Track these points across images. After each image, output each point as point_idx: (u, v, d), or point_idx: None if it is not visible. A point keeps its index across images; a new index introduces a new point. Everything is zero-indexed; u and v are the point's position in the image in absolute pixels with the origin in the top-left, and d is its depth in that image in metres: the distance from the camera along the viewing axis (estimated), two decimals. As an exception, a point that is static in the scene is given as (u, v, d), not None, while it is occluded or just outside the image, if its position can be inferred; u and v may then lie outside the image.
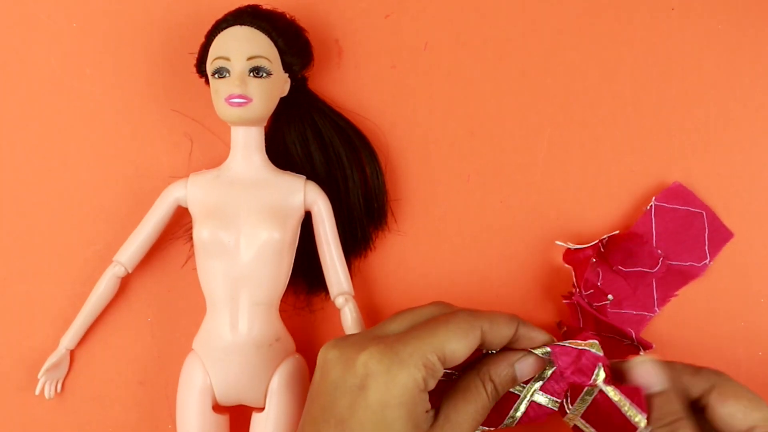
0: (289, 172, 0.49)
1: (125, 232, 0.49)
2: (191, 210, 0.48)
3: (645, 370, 0.43)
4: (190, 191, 0.48)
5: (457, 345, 0.40)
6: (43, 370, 0.50)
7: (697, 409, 0.43)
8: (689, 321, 0.51)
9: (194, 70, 0.49)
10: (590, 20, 0.53)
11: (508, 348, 0.43)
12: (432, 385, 0.40)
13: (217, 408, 0.47)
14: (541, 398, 0.44)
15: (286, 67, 0.48)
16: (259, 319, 0.47)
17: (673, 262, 0.50)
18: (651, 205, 0.51)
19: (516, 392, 0.44)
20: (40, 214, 0.52)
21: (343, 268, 0.49)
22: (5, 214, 0.52)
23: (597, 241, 0.49)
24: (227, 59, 0.46)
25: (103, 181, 0.52)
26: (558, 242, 0.50)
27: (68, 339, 0.50)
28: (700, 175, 0.52)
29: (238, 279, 0.46)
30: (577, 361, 0.43)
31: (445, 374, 0.43)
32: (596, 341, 0.43)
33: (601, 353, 0.43)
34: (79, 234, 0.52)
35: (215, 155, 0.52)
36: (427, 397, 0.40)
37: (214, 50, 0.47)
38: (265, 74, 0.46)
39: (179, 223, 0.51)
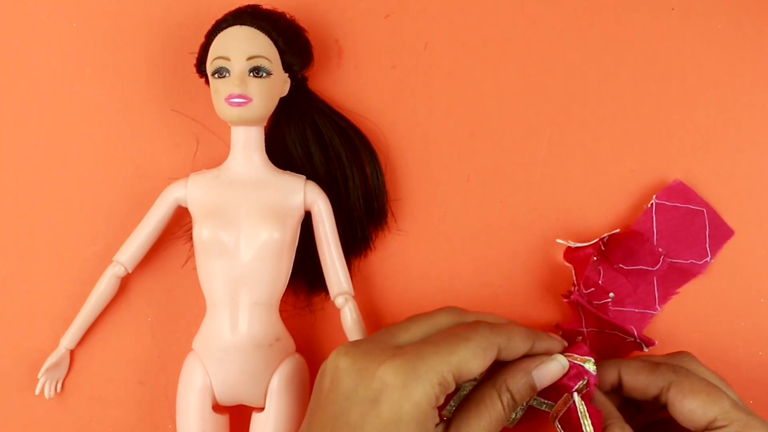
0: (289, 172, 0.49)
1: (125, 232, 0.49)
2: (191, 210, 0.48)
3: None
4: (190, 191, 0.48)
5: (474, 363, 0.40)
6: (43, 370, 0.50)
7: (660, 406, 0.44)
8: (689, 321, 0.51)
9: (194, 70, 0.49)
10: (590, 20, 0.53)
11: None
12: (442, 400, 0.40)
13: (217, 408, 0.47)
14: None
15: (286, 67, 0.48)
16: (259, 319, 0.47)
17: (674, 260, 0.50)
18: (652, 203, 0.50)
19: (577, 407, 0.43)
20: (40, 214, 0.52)
21: (343, 268, 0.49)
22: (5, 214, 0.52)
23: (598, 240, 0.49)
24: (227, 59, 0.46)
25: (103, 181, 0.52)
26: (559, 240, 0.50)
27: (68, 339, 0.50)
28: (700, 174, 0.52)
29: (238, 279, 0.46)
30: (570, 372, 0.44)
31: None
32: (592, 358, 0.44)
33: (594, 371, 0.43)
34: (79, 234, 0.52)
35: (215, 155, 0.52)
36: (437, 412, 0.40)
37: (214, 50, 0.47)
38: (265, 74, 0.46)
39: (179, 223, 0.51)
